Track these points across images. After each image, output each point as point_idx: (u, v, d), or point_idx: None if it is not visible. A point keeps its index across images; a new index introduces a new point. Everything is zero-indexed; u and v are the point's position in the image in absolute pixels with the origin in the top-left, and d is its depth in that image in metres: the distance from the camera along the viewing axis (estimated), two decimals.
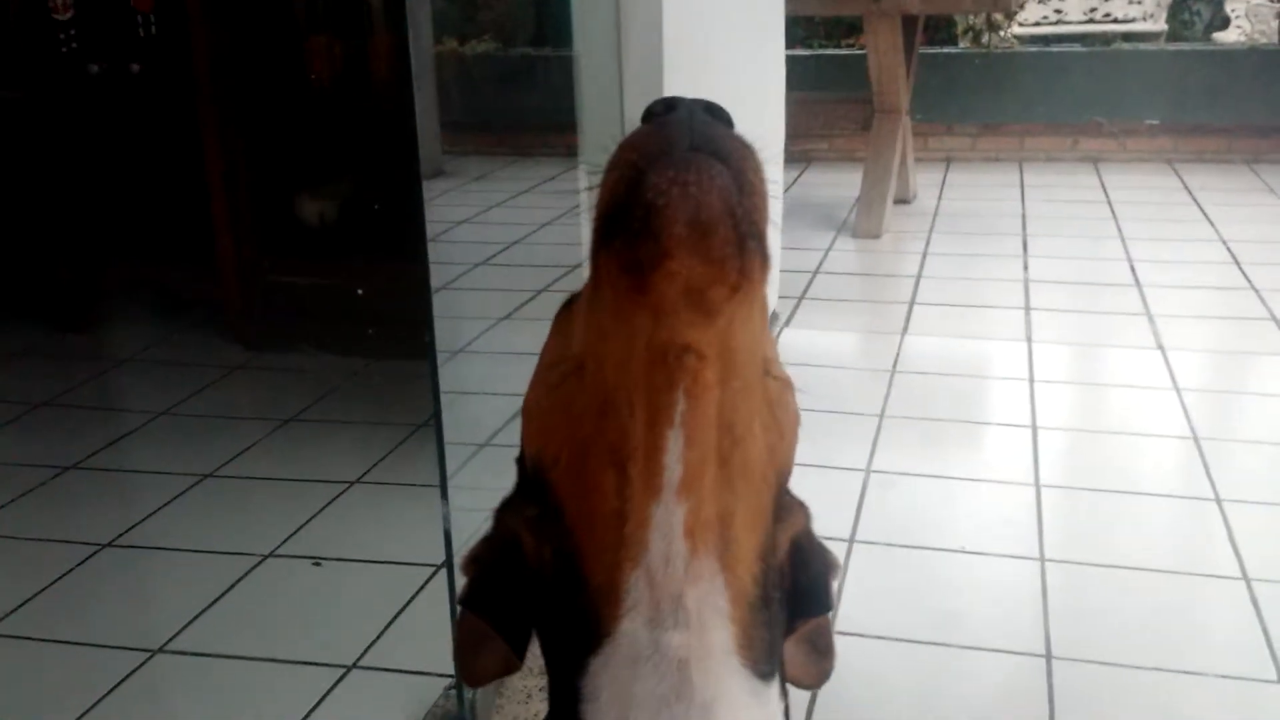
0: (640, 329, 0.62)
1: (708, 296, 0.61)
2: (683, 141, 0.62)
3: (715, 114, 0.66)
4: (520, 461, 0.75)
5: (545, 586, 0.70)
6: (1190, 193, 5.25)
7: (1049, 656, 1.96)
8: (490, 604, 0.75)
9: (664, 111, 0.64)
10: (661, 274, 0.60)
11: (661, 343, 0.62)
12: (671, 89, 2.40)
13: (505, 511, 0.76)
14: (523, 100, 6.07)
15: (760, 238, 0.62)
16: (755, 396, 0.66)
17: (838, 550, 2.29)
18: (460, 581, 0.78)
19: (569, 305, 0.74)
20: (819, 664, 0.79)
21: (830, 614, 0.77)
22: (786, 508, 0.72)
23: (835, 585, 0.76)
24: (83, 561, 2.34)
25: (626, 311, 0.63)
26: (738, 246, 0.60)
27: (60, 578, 2.29)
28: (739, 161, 0.63)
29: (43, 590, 2.24)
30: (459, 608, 0.77)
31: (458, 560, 0.78)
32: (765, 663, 0.68)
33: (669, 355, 0.62)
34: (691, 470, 0.63)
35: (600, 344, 0.66)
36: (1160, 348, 3.34)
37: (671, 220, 0.59)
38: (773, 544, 0.69)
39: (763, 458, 0.67)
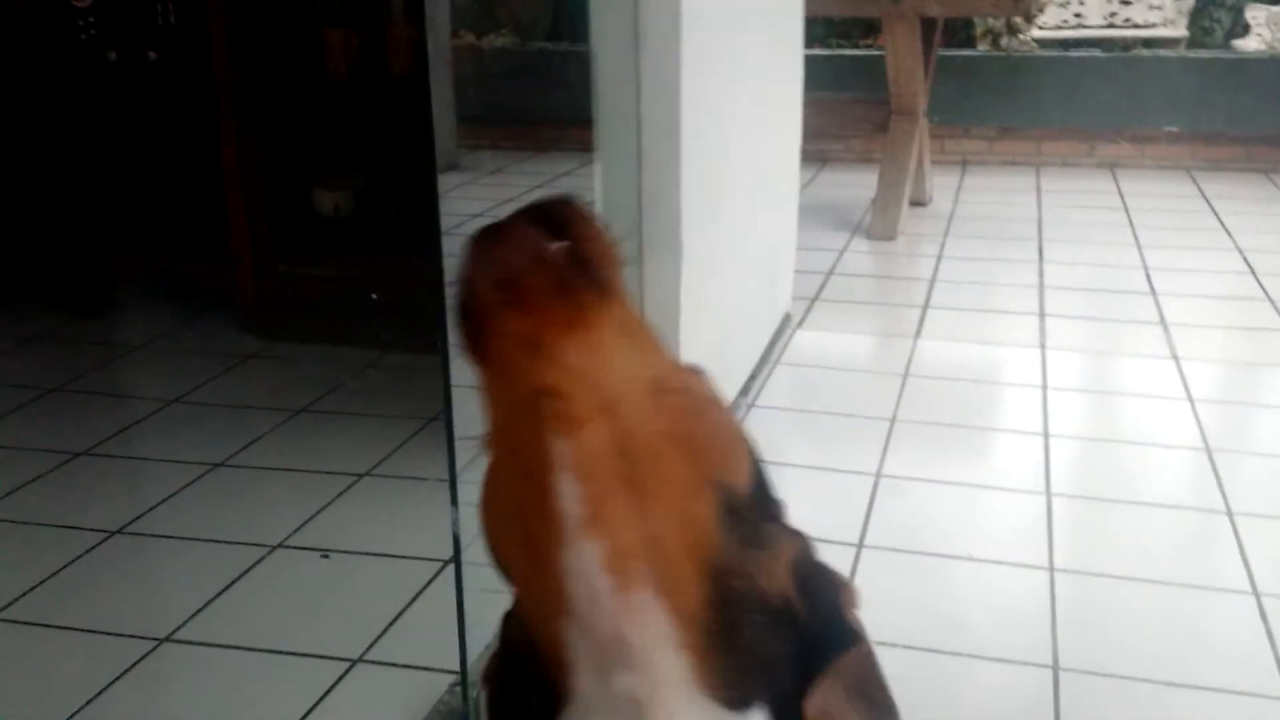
0: (498, 392, 0.65)
1: (543, 342, 0.63)
2: (506, 218, 0.67)
3: (552, 203, 0.69)
4: None
5: (536, 675, 0.69)
6: (1208, 201, 5.22)
7: (1056, 667, 1.95)
8: (513, 714, 0.73)
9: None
10: (490, 336, 0.64)
11: (520, 398, 0.63)
12: (688, 85, 2.39)
13: (508, 622, 0.74)
14: (539, 95, 6.07)
15: (589, 269, 0.65)
16: (650, 416, 0.64)
17: (845, 555, 2.28)
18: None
19: None
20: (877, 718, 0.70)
21: (869, 653, 0.70)
22: (773, 534, 0.69)
23: (853, 611, 0.70)
24: (91, 548, 2.35)
25: (485, 384, 0.66)
26: (558, 289, 0.63)
27: (69, 564, 2.29)
28: (557, 214, 0.66)
29: (51, 576, 2.25)
30: None
31: (485, 626, 0.79)
32: (735, 688, 0.64)
33: (527, 404, 0.63)
34: (592, 505, 0.62)
35: (487, 424, 0.68)
36: (1174, 357, 3.32)
37: (479, 290, 0.64)
38: (733, 563, 0.65)
39: (682, 471, 0.64)
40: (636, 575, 0.62)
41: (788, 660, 0.67)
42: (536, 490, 0.62)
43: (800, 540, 0.72)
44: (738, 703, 0.64)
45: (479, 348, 0.65)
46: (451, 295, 0.67)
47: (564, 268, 0.64)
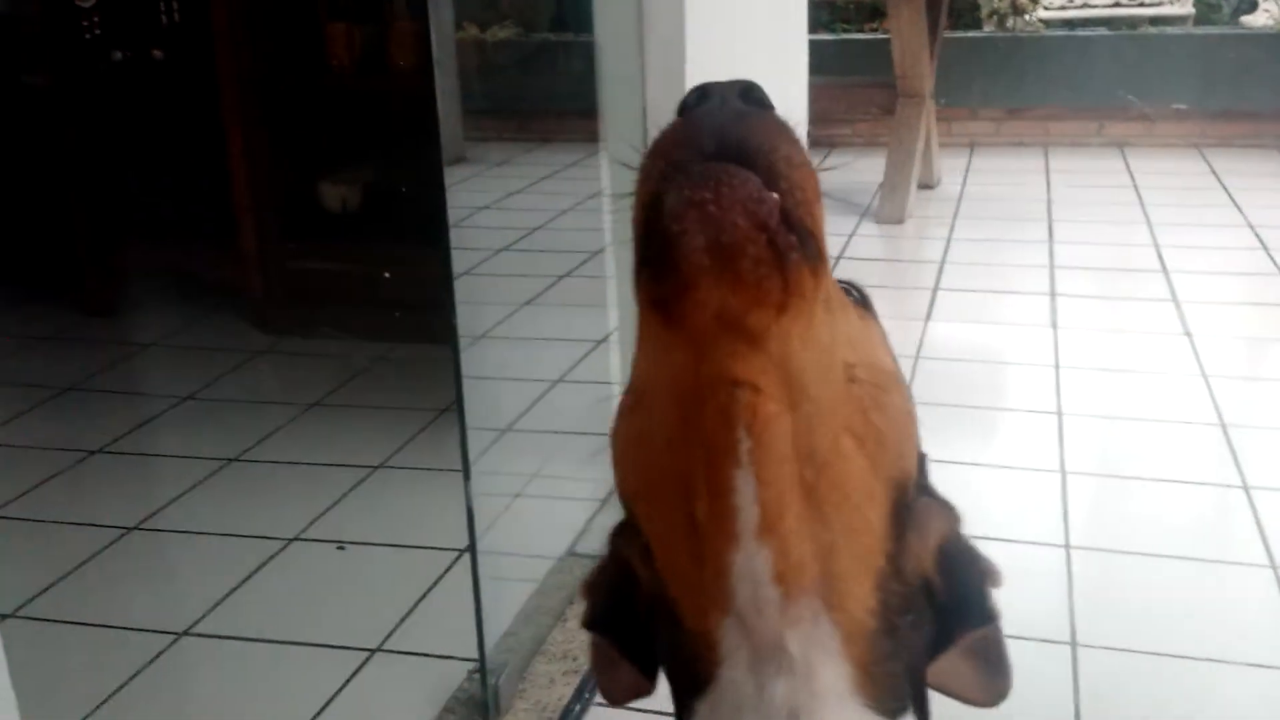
0: (683, 364, 0.57)
1: (749, 323, 0.55)
2: (709, 143, 0.57)
3: (751, 98, 0.60)
4: None
5: (658, 616, 0.65)
6: (1218, 177, 5.20)
7: (1074, 644, 1.95)
8: (612, 628, 0.71)
9: (695, 103, 0.59)
10: (690, 307, 0.55)
11: (709, 379, 0.56)
12: (693, 74, 2.38)
13: (619, 537, 0.70)
14: (544, 86, 6.06)
15: (809, 237, 0.56)
16: (838, 411, 0.59)
17: None
18: (580, 606, 0.73)
19: None
20: (993, 680, 0.69)
21: (997, 624, 0.69)
22: (923, 512, 0.65)
23: (994, 591, 0.69)
24: (109, 545, 2.36)
25: (666, 345, 0.58)
26: (775, 262, 0.55)
27: (87, 561, 2.30)
28: (771, 156, 0.57)
29: (69, 573, 2.26)
30: (588, 631, 0.73)
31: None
32: (892, 699, 0.62)
33: (720, 392, 0.56)
34: (770, 511, 0.57)
35: (651, 376, 0.61)
36: (1187, 334, 3.31)
37: (690, 248, 0.54)
38: (897, 565, 0.62)
39: (862, 475, 0.60)
40: (806, 586, 0.59)
41: (925, 645, 0.66)
42: (712, 478, 0.57)
43: (950, 516, 0.69)
44: (894, 712, 0.62)
45: (670, 308, 0.56)
46: (640, 229, 0.58)
47: (783, 237, 0.55)
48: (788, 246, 0.55)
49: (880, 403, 0.61)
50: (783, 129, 0.59)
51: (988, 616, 0.68)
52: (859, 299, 0.71)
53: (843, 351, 0.60)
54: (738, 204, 0.54)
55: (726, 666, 0.60)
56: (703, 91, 0.60)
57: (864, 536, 0.60)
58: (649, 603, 0.66)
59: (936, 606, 0.65)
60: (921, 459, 0.68)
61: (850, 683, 0.60)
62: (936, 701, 0.68)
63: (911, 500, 0.64)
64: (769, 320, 0.55)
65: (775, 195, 0.56)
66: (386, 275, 3.17)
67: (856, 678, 0.60)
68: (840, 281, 0.68)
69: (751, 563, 0.58)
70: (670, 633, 0.63)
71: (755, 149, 0.57)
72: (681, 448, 0.58)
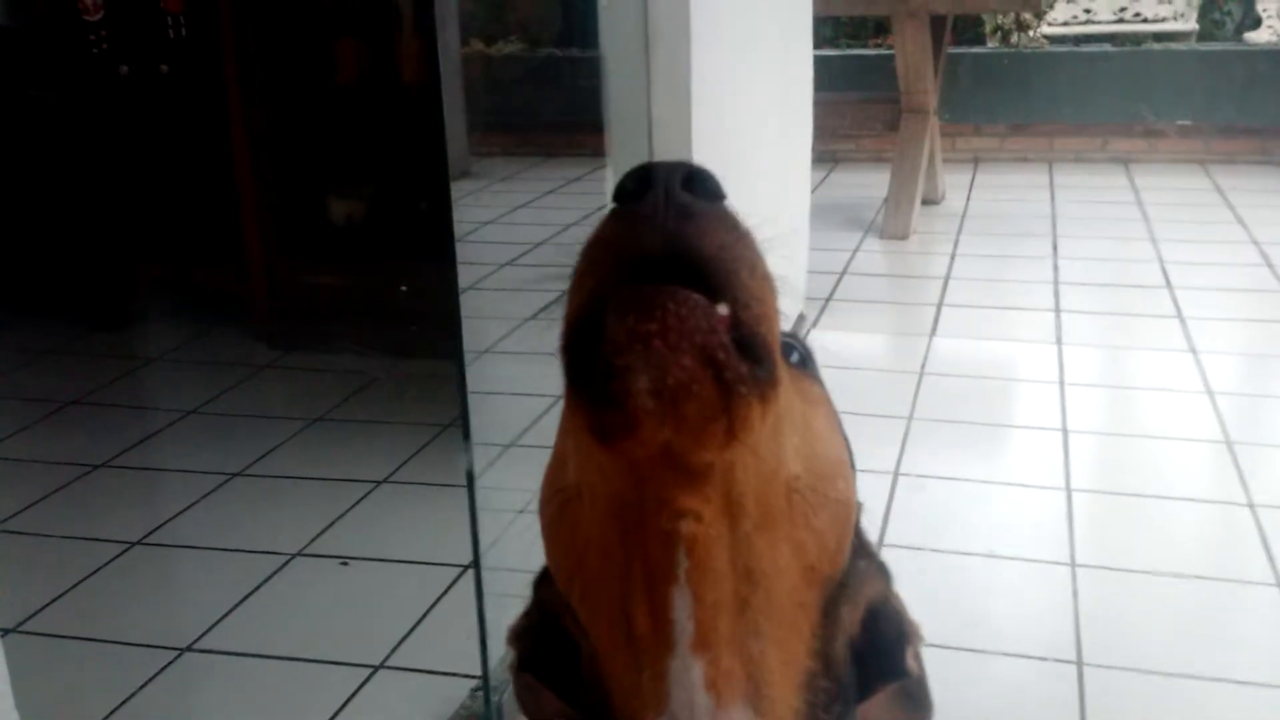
0: (621, 490, 0.56)
1: (692, 461, 0.54)
2: (653, 247, 0.53)
3: (697, 186, 0.56)
4: None
5: (588, 669, 0.66)
6: (1222, 194, 5.20)
7: (1080, 663, 1.94)
8: (542, 671, 0.71)
9: (635, 192, 0.55)
10: (632, 444, 0.53)
11: (650, 506, 0.56)
12: (699, 89, 2.39)
13: (542, 586, 0.71)
14: (549, 101, 6.08)
15: (763, 355, 0.54)
16: (777, 527, 0.59)
17: None
18: (507, 653, 0.74)
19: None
20: (910, 714, 0.72)
21: (914, 679, 0.71)
22: (857, 578, 0.67)
23: (913, 652, 0.71)
24: (112, 560, 2.36)
25: (604, 464, 0.56)
26: (722, 403, 0.52)
27: (89, 575, 2.30)
28: (724, 264, 0.54)
29: (72, 588, 2.26)
30: (513, 672, 0.74)
31: (504, 632, 0.76)
32: None
33: (660, 517, 0.56)
34: (704, 626, 0.58)
35: (587, 488, 0.60)
36: (1192, 350, 3.30)
37: (635, 389, 0.51)
38: (826, 658, 0.64)
39: (795, 586, 0.61)
40: (736, 694, 0.60)
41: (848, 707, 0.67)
42: (650, 595, 0.58)
43: (881, 582, 0.71)
44: None
45: (609, 439, 0.54)
46: (575, 344, 0.56)
47: (733, 369, 0.53)
48: (737, 381, 0.53)
49: (822, 505, 0.61)
50: (735, 228, 0.56)
51: (900, 673, 0.70)
52: (801, 357, 0.69)
53: (788, 465, 0.59)
54: (685, 339, 0.51)
55: None
56: (644, 177, 0.55)
57: (793, 644, 0.62)
58: (580, 644, 0.66)
59: (857, 653, 0.67)
60: (857, 511, 0.68)
61: None
62: None
63: (845, 574, 0.65)
64: (713, 457, 0.54)
65: (725, 313, 0.53)
66: (403, 289, 3.16)
67: None
68: (791, 339, 0.67)
69: (686, 672, 0.59)
70: (602, 706, 0.64)
71: (706, 257, 0.54)
72: (617, 560, 0.59)
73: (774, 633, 0.61)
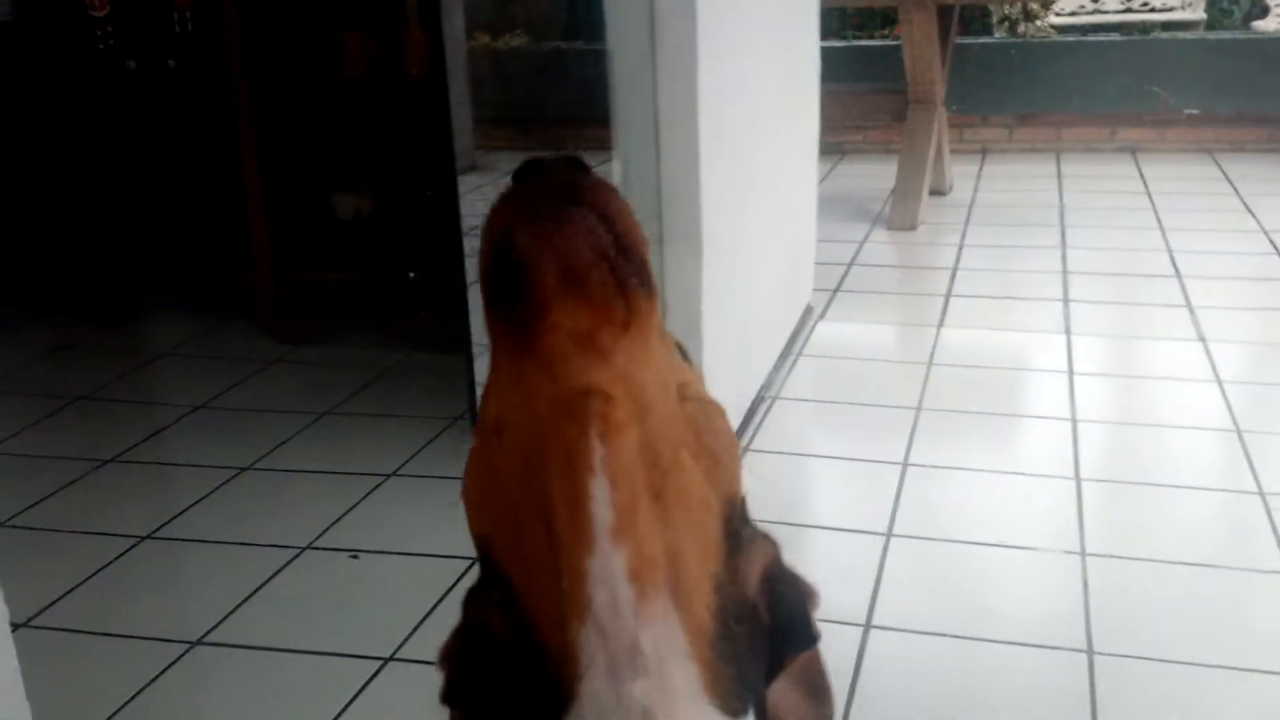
0: (539, 384, 0.62)
1: (597, 340, 0.61)
2: (545, 195, 0.64)
3: (578, 167, 0.67)
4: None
5: (515, 664, 0.67)
6: (1231, 183, 5.18)
7: (1090, 652, 1.94)
8: (470, 697, 0.71)
9: (528, 174, 0.66)
10: (545, 328, 0.61)
11: (563, 393, 0.61)
12: (705, 82, 2.38)
13: (472, 598, 0.72)
14: (555, 94, 6.07)
15: (640, 268, 0.63)
16: (676, 426, 0.65)
17: (874, 544, 2.27)
18: (437, 677, 0.76)
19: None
20: (816, 708, 0.75)
21: (817, 648, 0.73)
22: (748, 539, 0.69)
23: (815, 614, 0.72)
24: (122, 554, 2.36)
25: (522, 370, 0.63)
26: (617, 285, 0.61)
27: (100, 570, 2.30)
28: (604, 205, 0.64)
29: (83, 582, 2.26)
30: (442, 706, 0.73)
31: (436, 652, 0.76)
32: (736, 699, 0.65)
33: (574, 403, 0.61)
34: (623, 512, 0.61)
35: (509, 407, 0.65)
36: (1202, 339, 3.30)
37: (543, 274, 0.61)
38: (730, 575, 0.67)
39: (699, 485, 0.65)
40: (657, 582, 0.62)
41: (763, 664, 0.69)
42: (566, 490, 0.61)
43: (772, 546, 0.72)
44: (738, 713, 0.65)
45: (525, 334, 0.62)
46: (490, 269, 0.64)
47: (621, 262, 0.62)
48: (627, 273, 0.62)
49: (711, 425, 0.67)
50: (609, 186, 0.66)
51: (811, 639, 0.72)
52: (679, 349, 0.76)
53: (676, 374, 0.67)
54: (579, 235, 0.62)
55: (587, 679, 0.63)
56: (533, 162, 0.67)
57: (703, 540, 0.65)
58: (507, 656, 0.68)
59: (767, 634, 0.69)
60: (743, 498, 0.72)
61: (698, 682, 0.63)
62: None
63: (738, 523, 0.69)
64: (615, 337, 0.62)
65: (611, 230, 0.63)
66: (411, 275, 3.17)
67: (704, 677, 0.64)
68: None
69: (608, 564, 0.62)
70: (530, 666, 0.65)
71: (587, 199, 0.64)
72: (537, 464, 0.63)
73: (687, 526, 0.64)
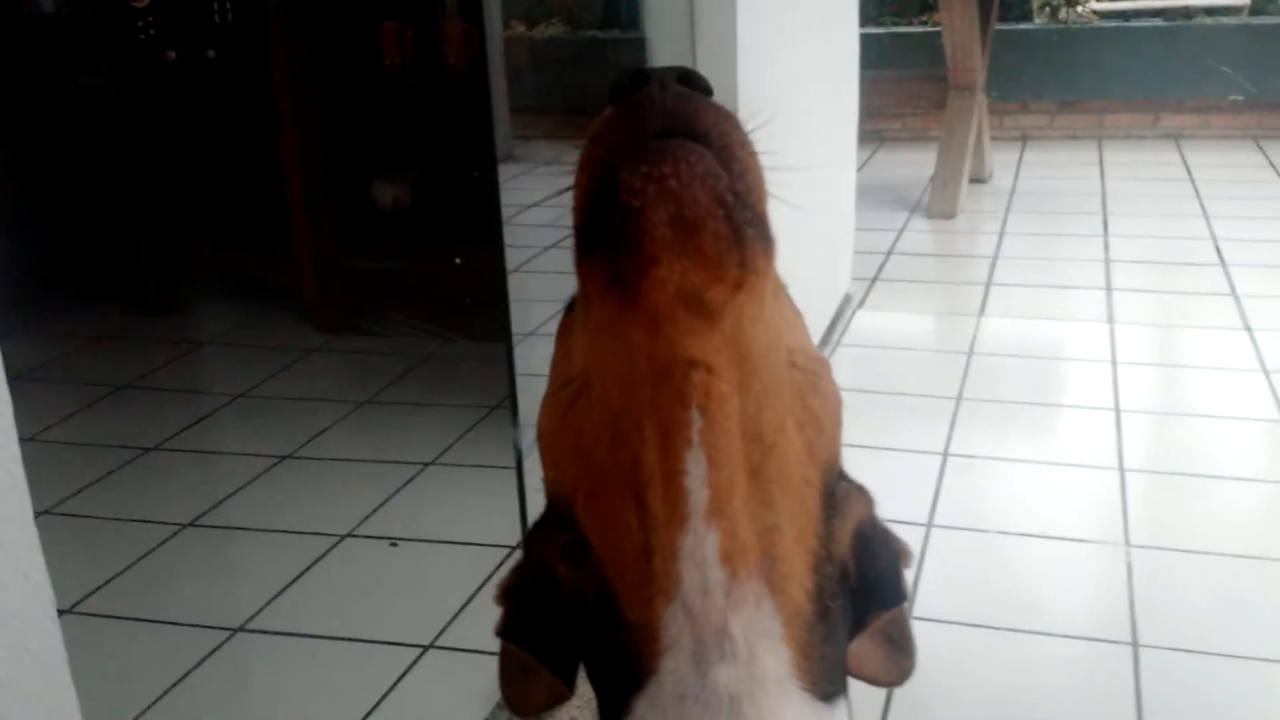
0: (638, 345, 0.57)
1: (707, 299, 0.55)
2: (655, 124, 0.56)
3: (690, 82, 0.59)
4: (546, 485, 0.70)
5: (585, 617, 0.65)
6: (1275, 169, 5.11)
7: (1135, 644, 1.92)
8: (530, 634, 0.69)
9: (631, 88, 0.58)
10: (651, 283, 0.54)
11: (664, 358, 0.56)
12: (745, 69, 2.37)
13: (536, 537, 0.69)
14: (592, 83, 6.06)
15: (759, 219, 0.57)
16: (783, 395, 0.60)
17: (914, 535, 2.26)
18: (495, 613, 0.72)
19: (569, 312, 0.68)
20: (898, 661, 0.71)
21: (905, 605, 0.70)
22: (843, 497, 0.66)
23: (908, 573, 0.70)
24: (165, 541, 2.38)
25: (620, 327, 0.57)
26: (734, 238, 0.55)
27: (143, 557, 2.32)
28: (722, 138, 0.57)
29: (126, 569, 2.28)
30: (499, 639, 0.71)
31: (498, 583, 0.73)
32: (828, 682, 0.62)
33: (674, 371, 0.56)
34: (719, 491, 0.58)
35: (600, 362, 0.60)
36: (1247, 328, 3.25)
37: (652, 223, 0.54)
38: (827, 549, 0.63)
39: (801, 459, 0.61)
40: (751, 568, 0.59)
41: (848, 625, 0.66)
42: (661, 464, 0.58)
43: (866, 502, 0.69)
44: (829, 696, 0.63)
45: (629, 284, 0.55)
46: (589, 207, 0.58)
47: (740, 213, 0.55)
48: (744, 223, 0.55)
49: (818, 389, 0.63)
50: (728, 114, 0.59)
51: (899, 596, 0.69)
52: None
53: (787, 336, 0.61)
54: (696, 179, 0.54)
55: (669, 657, 0.60)
56: (639, 75, 0.58)
57: (802, 519, 0.61)
58: (571, 603, 0.65)
59: (850, 590, 0.66)
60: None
61: (790, 667, 0.61)
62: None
63: (836, 483, 0.65)
64: (726, 296, 0.55)
65: (727, 174, 0.56)
66: (457, 261, 3.16)
67: (796, 662, 0.61)
68: None
69: (700, 544, 0.58)
70: (605, 629, 0.63)
71: (704, 130, 0.57)
72: (631, 432, 0.59)
73: (785, 505, 0.60)
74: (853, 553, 0.66)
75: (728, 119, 0.58)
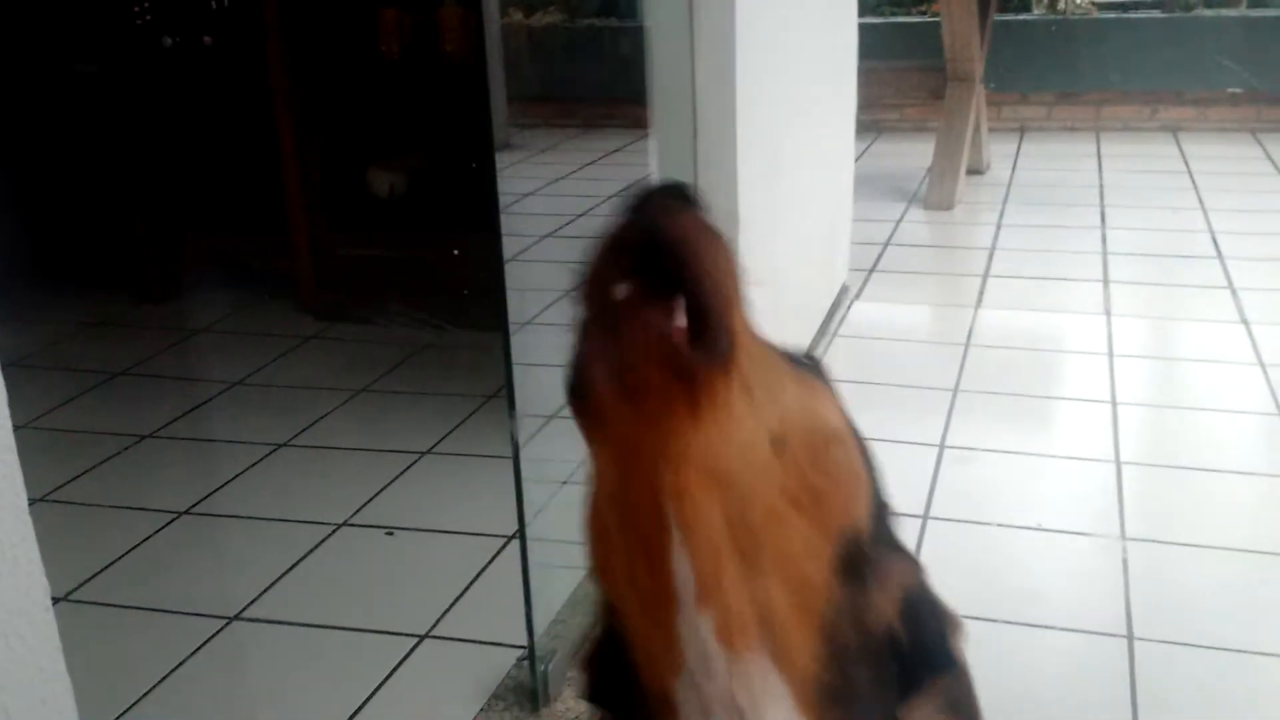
0: (610, 470, 0.65)
1: (663, 430, 0.61)
2: (630, 261, 0.62)
3: (676, 201, 0.65)
4: None
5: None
6: (1273, 162, 5.11)
7: (1130, 637, 1.92)
8: (609, 697, 0.76)
9: (625, 212, 0.65)
10: (609, 433, 0.63)
11: (635, 467, 0.63)
12: (743, 57, 2.36)
13: (610, 612, 0.76)
14: (589, 72, 6.05)
15: (713, 333, 0.61)
16: (770, 480, 0.64)
17: (911, 526, 2.26)
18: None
19: None
20: None
21: (964, 669, 0.73)
22: (885, 566, 0.70)
23: (956, 640, 0.73)
24: (160, 529, 2.38)
25: (596, 453, 0.65)
26: (680, 378, 0.60)
27: (137, 545, 2.32)
28: (687, 259, 0.62)
29: (121, 557, 2.28)
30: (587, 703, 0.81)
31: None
32: None
33: (645, 500, 0.62)
34: (705, 580, 0.63)
35: (594, 473, 0.68)
36: (1244, 321, 3.25)
37: (597, 383, 0.61)
38: (851, 615, 0.67)
39: (800, 535, 0.65)
40: (750, 642, 0.64)
41: (891, 692, 0.70)
42: (650, 556, 0.63)
43: (911, 567, 0.73)
44: None
45: (594, 428, 0.64)
46: (568, 361, 0.65)
47: (684, 351, 0.61)
48: (693, 367, 0.61)
49: (821, 464, 0.67)
50: (703, 230, 0.64)
51: (950, 662, 0.73)
52: (810, 365, 0.76)
53: (768, 425, 0.65)
54: (638, 334, 0.61)
55: None
56: (634, 199, 0.65)
57: (804, 591, 0.65)
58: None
59: (902, 655, 0.70)
60: (882, 510, 0.72)
61: None
62: None
63: (870, 552, 0.69)
64: (685, 422, 0.61)
65: (678, 325, 0.61)
66: (455, 252, 3.16)
67: None
68: (803, 357, 0.74)
69: (694, 627, 0.63)
70: (640, 695, 0.69)
71: (673, 255, 0.62)
72: (622, 534, 0.65)
73: (782, 579, 0.64)
74: (901, 619, 0.70)
75: (697, 233, 0.63)
